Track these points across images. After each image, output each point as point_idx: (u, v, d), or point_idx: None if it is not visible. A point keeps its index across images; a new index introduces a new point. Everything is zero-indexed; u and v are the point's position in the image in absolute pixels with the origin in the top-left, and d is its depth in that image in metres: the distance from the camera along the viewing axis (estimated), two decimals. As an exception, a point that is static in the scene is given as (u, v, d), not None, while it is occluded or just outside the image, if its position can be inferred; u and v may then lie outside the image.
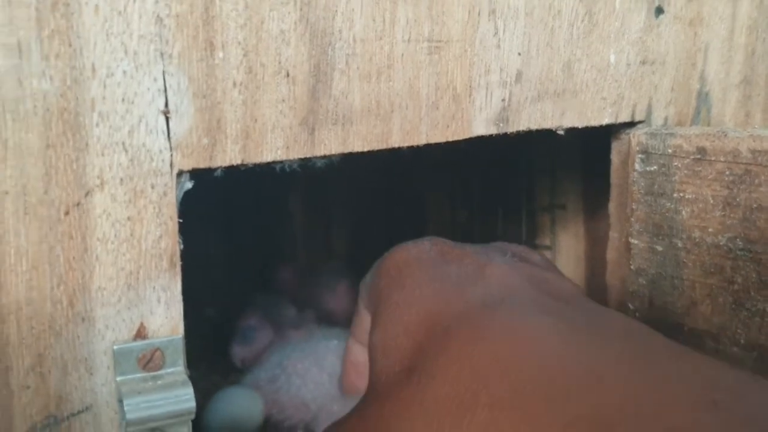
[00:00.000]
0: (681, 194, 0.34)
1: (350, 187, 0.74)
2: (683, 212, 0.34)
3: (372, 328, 0.31)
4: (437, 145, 0.33)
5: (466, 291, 0.29)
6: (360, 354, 0.38)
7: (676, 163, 0.34)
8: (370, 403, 0.28)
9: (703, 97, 0.40)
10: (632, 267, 0.37)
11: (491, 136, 0.34)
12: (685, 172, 0.34)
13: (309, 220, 0.75)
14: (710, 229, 0.33)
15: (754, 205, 0.32)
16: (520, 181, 0.58)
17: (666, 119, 0.39)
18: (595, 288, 0.48)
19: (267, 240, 0.75)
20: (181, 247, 0.28)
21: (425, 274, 0.31)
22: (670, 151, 0.34)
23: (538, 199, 0.57)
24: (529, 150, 0.56)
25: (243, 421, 0.48)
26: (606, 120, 0.37)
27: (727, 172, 0.33)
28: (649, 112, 0.38)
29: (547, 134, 0.52)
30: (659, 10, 0.38)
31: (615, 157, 0.39)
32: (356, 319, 0.37)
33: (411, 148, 0.33)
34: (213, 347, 0.57)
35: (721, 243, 0.33)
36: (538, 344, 0.24)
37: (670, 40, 0.38)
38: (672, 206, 0.35)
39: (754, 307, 0.33)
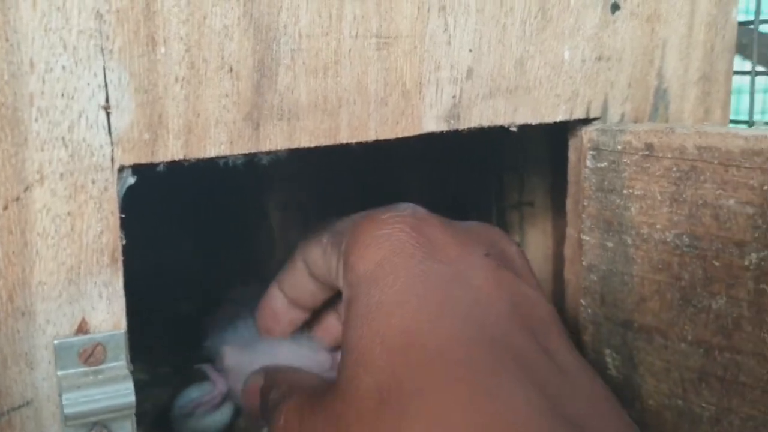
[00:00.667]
0: (630, 190, 0.34)
1: (327, 183, 0.74)
2: (632, 208, 0.34)
3: (346, 322, 0.30)
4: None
5: (450, 305, 0.28)
6: (280, 303, 0.39)
7: (625, 160, 0.34)
8: (342, 416, 0.28)
9: (661, 94, 0.40)
10: (584, 263, 0.37)
11: (442, 132, 0.34)
12: (634, 168, 0.34)
13: (286, 217, 0.76)
14: (658, 226, 0.34)
15: (700, 202, 0.32)
16: (490, 178, 0.59)
17: (622, 116, 0.39)
18: (561, 285, 0.48)
19: (243, 234, 0.75)
20: (123, 242, 0.28)
21: (409, 272, 0.29)
22: (619, 147, 0.35)
23: (507, 196, 0.57)
24: (499, 147, 0.57)
25: (211, 416, 0.48)
26: (560, 117, 0.37)
27: (674, 169, 0.33)
28: (604, 108, 0.38)
29: (515, 131, 0.53)
30: (615, 6, 0.38)
31: (572, 154, 0.39)
32: (291, 271, 0.37)
33: (367, 145, 0.33)
34: (189, 342, 0.57)
35: (668, 239, 0.33)
36: (507, 421, 0.25)
37: (627, 36, 0.38)
38: (621, 202, 0.35)
39: (700, 304, 0.33)
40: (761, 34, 0.91)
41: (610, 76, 0.38)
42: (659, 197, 0.33)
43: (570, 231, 0.40)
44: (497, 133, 0.53)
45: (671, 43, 0.40)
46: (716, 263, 0.32)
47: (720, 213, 0.32)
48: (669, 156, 0.33)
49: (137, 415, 0.50)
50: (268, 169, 0.46)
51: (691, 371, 0.34)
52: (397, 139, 0.33)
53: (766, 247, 0.31)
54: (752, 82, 0.48)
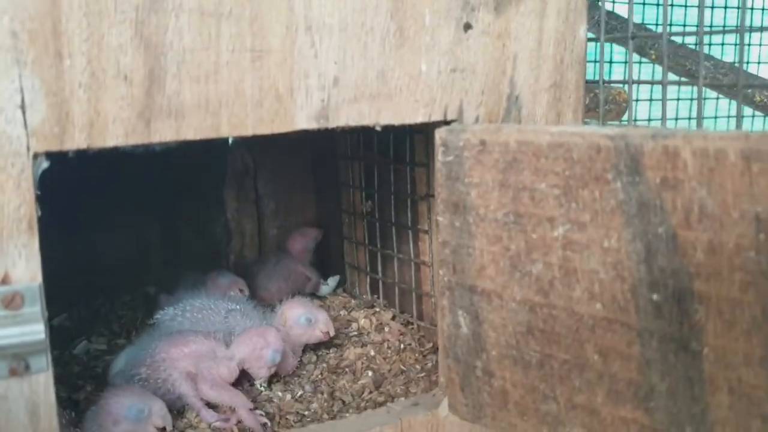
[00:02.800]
0: (470, 179, 0.42)
1: (281, 178, 0.82)
2: (472, 193, 0.42)
3: None
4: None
5: None
6: None
7: (466, 154, 0.42)
8: None
9: (513, 100, 0.48)
10: (440, 240, 0.44)
11: (317, 130, 0.42)
12: (473, 160, 0.41)
13: (240, 209, 0.84)
14: (491, 207, 0.41)
15: (520, 186, 0.39)
16: (405, 174, 0.66)
17: (477, 118, 0.46)
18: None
19: (202, 222, 0.83)
20: (39, 214, 0.35)
21: None
22: (461, 143, 0.42)
23: (418, 189, 0.65)
24: (411, 146, 0.64)
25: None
26: (420, 119, 0.44)
27: (501, 160, 0.40)
28: (460, 112, 0.46)
29: (424, 131, 0.60)
30: (468, 26, 0.45)
31: (435, 151, 0.46)
32: None
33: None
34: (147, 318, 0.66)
35: (499, 218, 0.41)
36: None
37: (480, 51, 0.46)
38: (464, 189, 0.42)
39: (524, 269, 0.40)
40: (678, 45, 0.99)
41: (464, 84, 0.46)
42: (491, 183, 0.41)
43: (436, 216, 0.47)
44: (407, 133, 0.60)
45: (522, 56, 0.48)
46: (534, 236, 0.39)
47: (535, 194, 0.39)
48: (497, 149, 0.40)
49: (92, 376, 0.58)
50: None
51: (521, 325, 0.41)
52: (273, 134, 0.40)
53: (568, 221, 0.38)
54: (601, 88, 0.55)
